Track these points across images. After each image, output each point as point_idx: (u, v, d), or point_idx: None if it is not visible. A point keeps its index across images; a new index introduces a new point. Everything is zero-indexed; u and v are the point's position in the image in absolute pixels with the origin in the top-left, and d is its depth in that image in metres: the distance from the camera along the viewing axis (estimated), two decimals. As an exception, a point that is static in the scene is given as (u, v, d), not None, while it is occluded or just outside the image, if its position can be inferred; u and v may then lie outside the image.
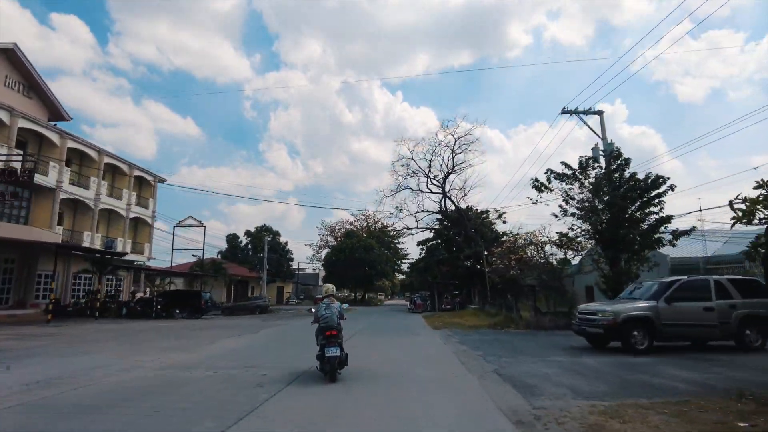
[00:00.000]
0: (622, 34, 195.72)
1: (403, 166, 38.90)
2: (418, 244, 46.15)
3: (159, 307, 28.00)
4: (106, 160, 31.78)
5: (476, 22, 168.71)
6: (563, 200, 19.99)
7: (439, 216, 43.30)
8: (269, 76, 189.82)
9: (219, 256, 62.78)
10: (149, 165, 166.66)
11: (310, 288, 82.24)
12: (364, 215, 73.47)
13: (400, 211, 42.28)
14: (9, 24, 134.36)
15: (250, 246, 66.40)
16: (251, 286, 57.50)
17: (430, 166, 38.55)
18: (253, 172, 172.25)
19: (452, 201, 38.04)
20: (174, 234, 38.93)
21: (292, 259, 68.05)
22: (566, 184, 19.81)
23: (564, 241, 20.94)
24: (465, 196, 38.00)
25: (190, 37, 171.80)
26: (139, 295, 32.72)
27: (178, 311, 28.35)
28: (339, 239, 70.73)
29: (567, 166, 19.62)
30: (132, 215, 34.26)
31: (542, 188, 20.17)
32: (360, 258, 59.52)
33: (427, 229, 43.36)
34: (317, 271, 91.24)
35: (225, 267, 38.11)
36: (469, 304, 38.33)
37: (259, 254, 61.97)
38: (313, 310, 8.58)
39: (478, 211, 41.55)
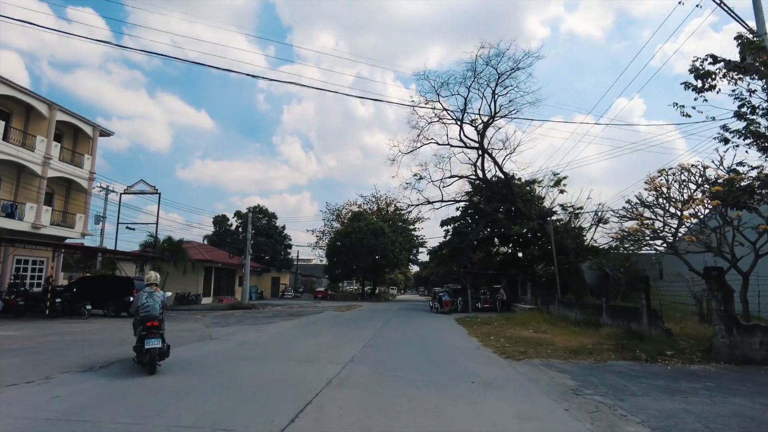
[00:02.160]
0: (641, 25, 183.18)
1: (427, 103, 28.58)
2: (442, 224, 36.12)
3: (60, 300, 18.43)
4: (2, 90, 22.28)
5: (491, 14, 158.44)
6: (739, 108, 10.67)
7: (474, 182, 33.19)
8: (283, 69, 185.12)
9: (205, 241, 53.36)
10: (164, 157, 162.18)
11: (313, 280, 72.56)
12: (374, 197, 63.67)
13: (420, 179, 32.25)
14: (29, 17, 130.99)
15: (241, 229, 56.83)
16: (239, 276, 47.93)
17: (464, 108, 28.26)
18: (267, 165, 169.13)
19: (494, 160, 27.82)
20: (120, 203, 29.48)
21: (290, 246, 58.39)
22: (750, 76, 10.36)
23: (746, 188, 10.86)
24: (510, 154, 27.74)
25: (204, 29, 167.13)
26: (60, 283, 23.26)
27: (89, 306, 18.77)
28: (345, 224, 60.98)
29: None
30: (54, 174, 24.76)
31: (707, 78, 10.66)
32: (369, 244, 49.64)
33: (455, 202, 33.20)
34: (323, 260, 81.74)
35: (185, 248, 28.47)
36: (515, 302, 28.29)
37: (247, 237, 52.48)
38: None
39: (523, 181, 31.32)
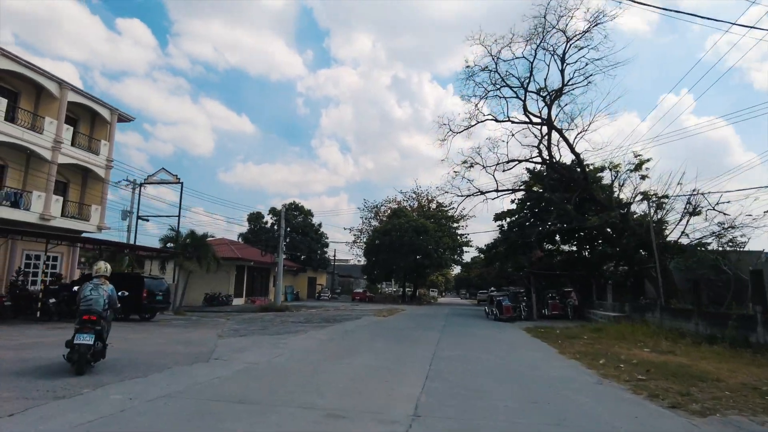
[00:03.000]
0: (690, 19, 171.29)
1: (484, 70, 24.44)
2: (496, 218, 31.87)
3: (54, 301, 15.60)
4: (4, 64, 19.86)
5: (531, 10, 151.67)
6: None
7: (533, 170, 28.83)
8: (321, 72, 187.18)
9: (240, 239, 51.04)
10: (207, 161, 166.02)
11: (350, 281, 69.35)
12: (415, 193, 59.82)
13: (471, 166, 28.15)
14: (83, 30, 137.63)
15: (275, 227, 54.20)
16: (273, 275, 45.18)
17: (531, 73, 23.93)
18: (306, 168, 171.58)
19: (564, 138, 23.40)
20: (140, 193, 26.86)
21: (327, 245, 55.30)
22: None
23: None
24: (584, 132, 23.26)
25: (243, 35, 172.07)
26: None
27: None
28: (384, 222, 57.44)
29: None
30: (65, 161, 22.30)
31: None
32: (410, 243, 45.81)
33: (513, 191, 28.92)
34: (360, 261, 78.49)
35: (209, 244, 25.52)
36: (589, 308, 23.80)
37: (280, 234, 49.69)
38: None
39: (594, 167, 26.69)
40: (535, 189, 27.42)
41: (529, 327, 19.16)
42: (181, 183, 26.27)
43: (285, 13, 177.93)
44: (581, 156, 23.86)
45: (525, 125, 24.95)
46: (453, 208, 55.90)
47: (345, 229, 73.18)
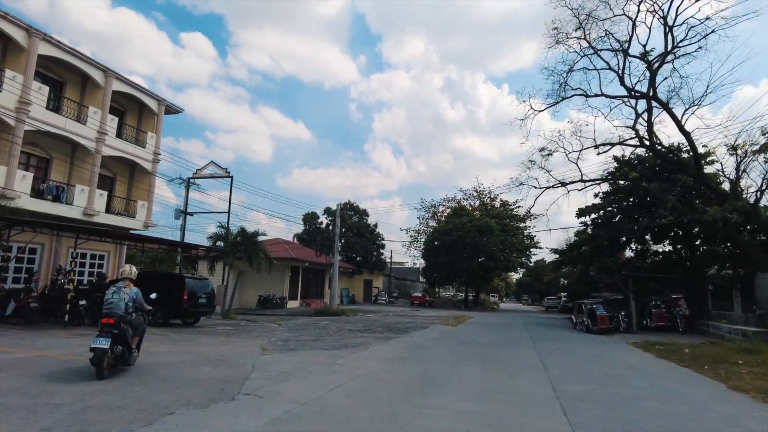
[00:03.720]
0: None
1: (578, 29, 20.62)
2: (580, 214, 27.86)
3: (84, 303, 13.78)
4: (46, 50, 18.62)
5: (591, 7, 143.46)
6: None
7: (621, 158, 24.75)
8: (374, 77, 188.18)
9: (295, 240, 49.56)
10: (266, 168, 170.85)
11: (407, 284, 66.44)
12: (476, 191, 56.04)
13: (549, 155, 24.43)
14: (150, 46, 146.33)
15: (330, 227, 52.30)
16: (328, 277, 43.18)
17: (630, 36, 19.96)
18: (359, 172, 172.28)
19: (671, 115, 19.23)
20: (188, 187, 25.25)
21: (383, 246, 52.69)
22: None
23: None
24: (696, 106, 18.99)
25: (298, 43, 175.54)
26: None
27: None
28: (443, 221, 54.16)
29: None
30: (110, 153, 20.96)
31: None
32: (473, 243, 42.31)
33: (602, 181, 24.94)
34: (417, 264, 75.35)
35: (260, 242, 23.44)
36: (702, 319, 19.53)
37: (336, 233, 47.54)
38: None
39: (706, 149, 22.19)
40: (634, 174, 23.22)
41: (637, 342, 15.45)
42: (231, 177, 24.48)
43: (338, 20, 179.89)
44: (691, 136, 19.63)
45: (621, 100, 20.99)
46: (519, 206, 52.04)
47: (401, 230, 70.52)
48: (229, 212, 24.16)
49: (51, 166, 19.97)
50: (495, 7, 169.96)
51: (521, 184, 26.04)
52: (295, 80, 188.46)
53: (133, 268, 7.66)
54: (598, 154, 22.72)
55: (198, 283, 17.11)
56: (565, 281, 78.65)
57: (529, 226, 34.07)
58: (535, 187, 25.86)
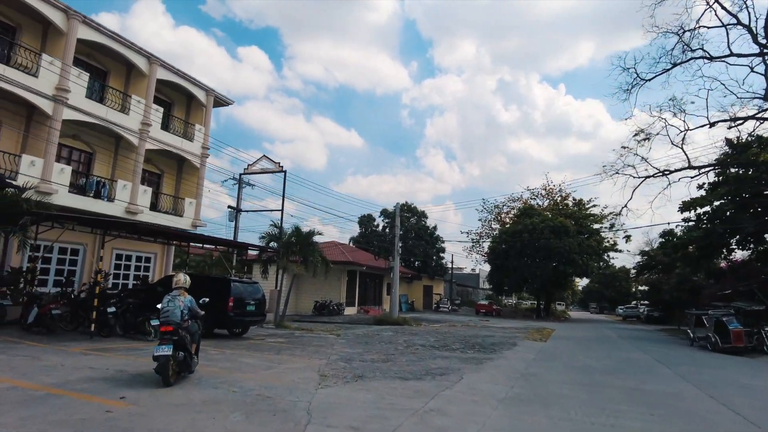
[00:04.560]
0: None
1: None
2: (684, 208, 23.44)
3: (114, 311, 11.61)
4: (87, 34, 17.05)
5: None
6: None
7: (734, 141, 20.30)
8: (425, 83, 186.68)
9: (351, 243, 47.29)
10: (321, 175, 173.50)
11: (469, 291, 62.55)
12: (545, 189, 51.42)
13: (645, 139, 20.52)
14: (211, 61, 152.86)
15: (388, 230, 49.60)
16: (386, 282, 40.45)
17: None
18: (411, 177, 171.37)
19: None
20: (240, 184, 23.21)
21: (443, 250, 49.32)
22: None
23: None
24: None
25: (350, 53, 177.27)
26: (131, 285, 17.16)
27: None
28: (509, 223, 50.09)
29: None
30: (154, 146, 19.24)
31: None
32: (546, 246, 38.17)
33: (715, 166, 20.61)
34: (477, 270, 71.14)
35: (316, 243, 20.97)
36: None
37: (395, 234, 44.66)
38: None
39: None
40: (753, 163, 18.83)
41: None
42: (284, 171, 22.23)
43: (389, 27, 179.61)
44: None
45: (752, 58, 16.80)
46: (595, 204, 47.13)
47: (462, 232, 66.15)
48: (282, 210, 21.92)
49: (93, 161, 18.47)
50: (551, 4, 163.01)
51: (616, 173, 22.15)
52: (347, 89, 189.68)
53: (187, 278, 7.76)
54: (731, 127, 18.46)
55: (246, 287, 14.72)
56: (645, 288, 71.69)
57: (617, 227, 29.39)
58: (634, 177, 21.92)
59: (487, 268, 65.76)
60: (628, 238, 30.69)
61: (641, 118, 60.34)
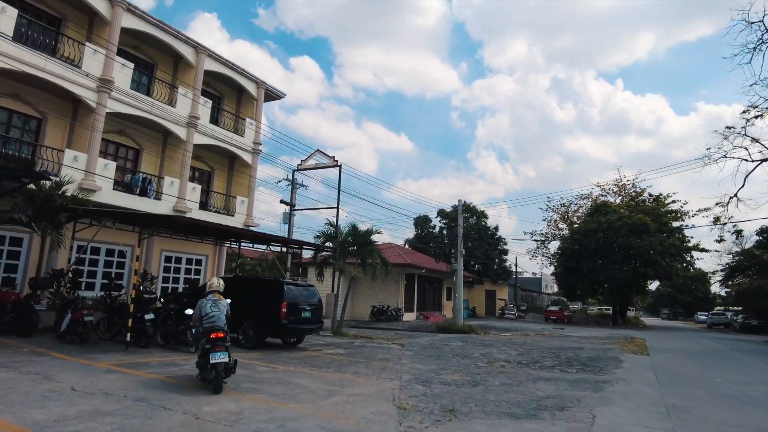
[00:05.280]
0: None
1: None
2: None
3: (151, 320, 10.12)
4: (132, 23, 16.04)
5: None
6: None
7: None
8: (475, 84, 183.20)
9: (406, 245, 45.21)
10: (371, 180, 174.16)
11: (533, 296, 58.77)
12: (617, 185, 47.11)
13: (759, 117, 17.14)
14: (264, 72, 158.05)
15: (445, 232, 47.16)
16: (446, 287, 37.98)
17: None
18: (463, 180, 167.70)
19: None
20: (293, 182, 21.72)
21: (505, 252, 46.24)
22: None
23: None
24: None
25: (400, 58, 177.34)
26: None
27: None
28: (578, 223, 46.31)
29: None
30: (203, 141, 18.07)
31: None
32: (625, 246, 34.44)
33: None
34: (538, 273, 66.97)
35: (375, 243, 19.03)
36: None
37: (454, 238, 42.10)
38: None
39: None
40: None
41: None
42: (340, 166, 20.54)
43: (437, 30, 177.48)
44: None
45: None
46: (674, 201, 42.53)
47: (525, 233, 62.35)
48: (338, 207, 20.19)
49: (141, 158, 17.49)
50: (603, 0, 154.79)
51: (724, 156, 18.80)
52: (397, 94, 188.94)
53: (221, 281, 7.57)
54: None
55: (301, 291, 12.93)
56: (728, 292, 64.77)
57: (724, 219, 25.18)
58: (746, 160, 18.49)
59: (548, 270, 61.85)
60: (738, 233, 26.68)
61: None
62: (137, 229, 13.62)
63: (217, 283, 7.43)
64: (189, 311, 8.10)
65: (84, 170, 13.92)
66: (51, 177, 11.91)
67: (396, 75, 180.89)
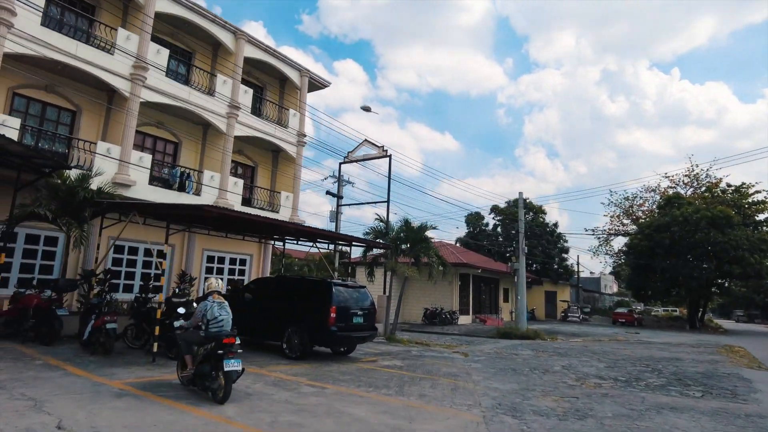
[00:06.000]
0: None
1: None
2: None
3: (182, 325, 8.73)
4: (165, 7, 14.93)
5: None
6: None
7: None
8: (522, 79, 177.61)
9: (457, 244, 42.91)
10: (416, 181, 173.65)
11: (595, 297, 54.91)
12: (688, 175, 42.83)
13: None
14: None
15: (500, 229, 44.55)
16: (502, 288, 35.45)
17: None
18: (511, 178, 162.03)
19: None
20: (340, 177, 20.21)
21: (566, 250, 43.05)
22: None
23: None
24: None
25: (443, 57, 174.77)
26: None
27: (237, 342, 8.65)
28: (643, 218, 42.50)
29: None
30: (245, 132, 16.86)
31: None
32: (704, 242, 30.78)
33: None
34: (598, 273, 62.68)
35: (430, 240, 17.16)
36: None
37: (511, 237, 39.39)
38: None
39: None
40: None
41: None
42: (390, 156, 18.85)
43: (481, 27, 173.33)
44: None
45: None
46: (758, 190, 38.02)
47: (586, 230, 58.28)
48: (388, 201, 18.49)
49: (179, 152, 16.47)
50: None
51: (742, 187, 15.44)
52: (441, 93, 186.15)
53: (220, 281, 6.99)
54: None
55: (351, 293, 11.27)
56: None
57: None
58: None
59: (610, 269, 57.51)
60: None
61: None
62: (171, 225, 12.42)
63: (216, 283, 6.89)
64: (181, 310, 7.78)
65: (118, 159, 12.90)
66: (73, 167, 10.86)
67: (440, 74, 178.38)
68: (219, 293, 6.75)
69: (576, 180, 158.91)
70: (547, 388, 8.61)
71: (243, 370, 6.35)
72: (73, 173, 10.76)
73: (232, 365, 6.05)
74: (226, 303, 6.71)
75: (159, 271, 9.75)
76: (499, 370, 10.71)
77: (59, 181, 10.14)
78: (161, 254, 9.66)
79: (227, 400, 5.98)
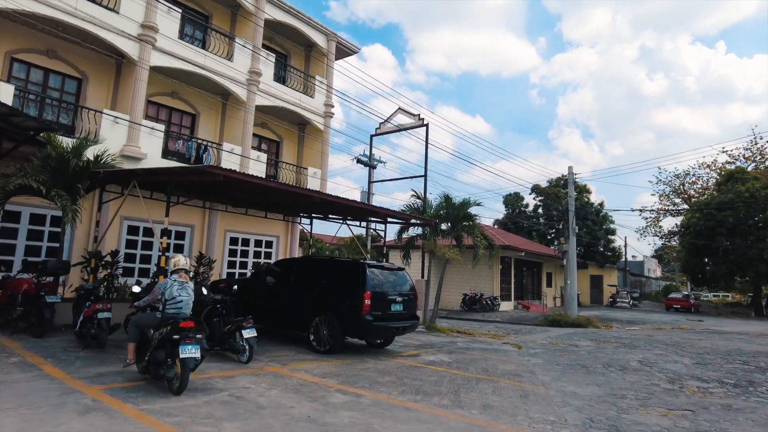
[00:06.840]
0: None
1: None
2: None
3: (217, 311, 7.38)
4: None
5: None
6: None
7: None
8: (555, 59, 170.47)
9: (495, 226, 40.65)
10: (447, 165, 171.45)
11: (642, 281, 51.68)
12: (749, 149, 38.97)
13: None
14: (340, 64, 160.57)
15: (541, 210, 42.02)
16: (545, 272, 33.17)
17: None
18: (545, 161, 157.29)
19: None
20: (371, 147, 18.39)
21: (613, 232, 40.20)
22: None
23: None
24: None
25: (473, 38, 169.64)
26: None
27: (253, 333, 7.22)
28: (696, 196, 39.19)
29: None
30: (266, 102, 15.32)
31: None
32: (772, 220, 27.67)
33: None
34: (648, 255, 58.76)
35: (474, 218, 15.30)
36: None
37: (553, 218, 36.82)
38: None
39: None
40: None
41: None
42: (426, 125, 16.99)
43: (512, 6, 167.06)
44: None
45: None
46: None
47: (633, 209, 54.53)
48: (426, 175, 16.66)
49: (197, 124, 15.07)
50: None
51: None
52: (471, 75, 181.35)
53: (188, 260, 6.55)
54: None
55: (388, 276, 9.59)
56: None
57: None
58: None
59: (657, 251, 53.99)
60: None
61: None
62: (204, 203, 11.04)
63: (184, 261, 6.30)
64: (136, 288, 7.08)
65: (128, 121, 11.57)
66: (60, 134, 9.53)
67: (469, 56, 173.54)
68: (186, 271, 6.19)
69: (612, 162, 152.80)
70: (640, 393, 6.78)
71: (203, 357, 5.80)
72: (70, 142, 9.43)
73: (189, 352, 5.49)
74: (190, 284, 6.17)
75: (160, 252, 8.31)
76: (566, 366, 8.91)
77: (51, 149, 8.81)
78: (165, 232, 8.17)
79: (183, 391, 5.40)
